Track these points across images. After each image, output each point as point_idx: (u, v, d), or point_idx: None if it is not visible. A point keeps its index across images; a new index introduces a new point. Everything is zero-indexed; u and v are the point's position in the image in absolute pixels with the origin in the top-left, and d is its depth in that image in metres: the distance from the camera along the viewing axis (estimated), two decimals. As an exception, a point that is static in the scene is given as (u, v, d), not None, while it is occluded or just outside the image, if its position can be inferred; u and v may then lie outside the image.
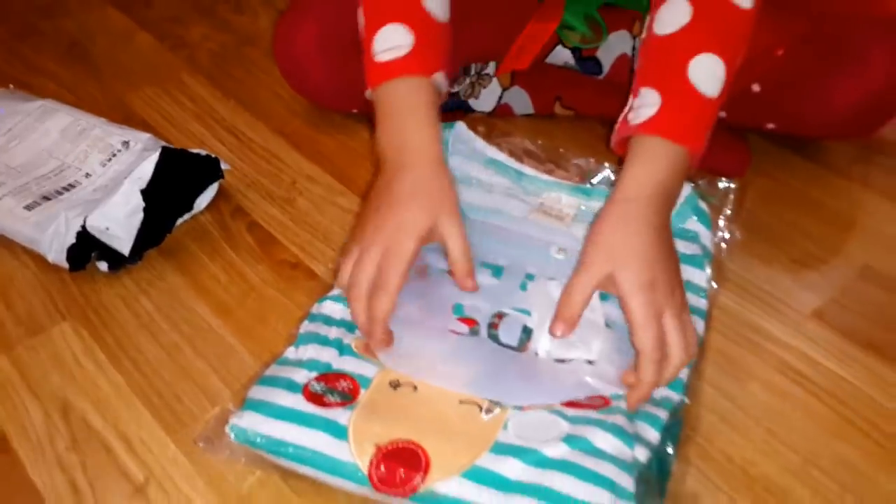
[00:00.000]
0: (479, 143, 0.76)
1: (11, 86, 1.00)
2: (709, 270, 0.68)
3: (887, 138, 0.88)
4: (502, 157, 0.76)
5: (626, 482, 0.53)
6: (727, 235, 0.71)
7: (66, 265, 0.76)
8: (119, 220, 0.75)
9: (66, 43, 1.11)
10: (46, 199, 0.80)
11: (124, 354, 0.71)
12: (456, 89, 0.91)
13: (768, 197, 0.83)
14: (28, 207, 0.79)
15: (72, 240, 0.74)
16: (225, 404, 0.62)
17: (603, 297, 0.64)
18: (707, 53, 0.63)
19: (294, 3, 0.88)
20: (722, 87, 0.64)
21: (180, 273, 0.78)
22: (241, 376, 0.68)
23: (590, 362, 0.62)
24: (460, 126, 0.76)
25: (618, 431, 0.56)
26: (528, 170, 0.75)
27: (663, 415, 0.59)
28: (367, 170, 0.85)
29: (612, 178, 0.74)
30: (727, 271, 0.75)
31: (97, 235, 0.75)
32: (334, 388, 0.60)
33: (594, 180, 0.75)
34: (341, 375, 0.61)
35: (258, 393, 0.61)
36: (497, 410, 0.58)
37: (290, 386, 0.60)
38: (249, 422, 0.58)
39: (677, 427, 0.61)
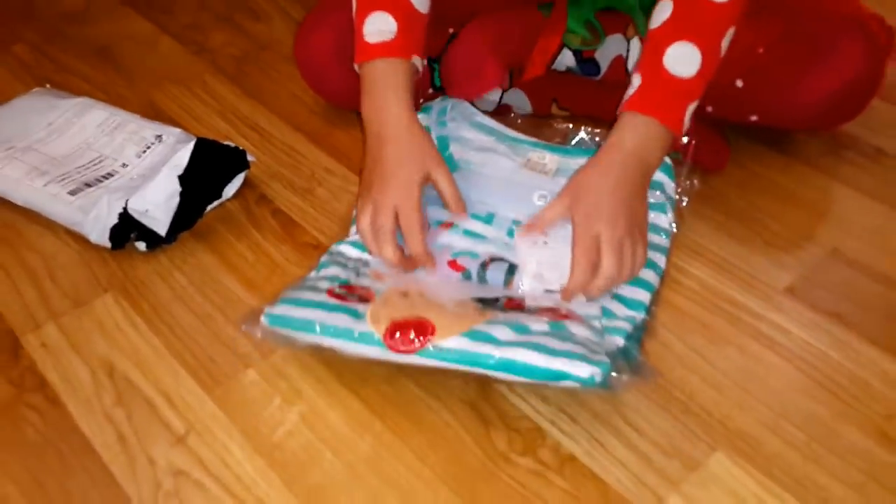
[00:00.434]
0: (474, 112, 0.90)
1: (48, 84, 1.08)
2: (671, 214, 0.82)
3: (854, 134, 0.96)
4: (494, 123, 0.90)
5: (600, 356, 0.65)
6: (688, 183, 0.86)
7: (107, 244, 0.83)
8: (158, 203, 0.82)
9: (94, 47, 1.19)
10: (88, 185, 0.88)
11: (161, 322, 0.79)
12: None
13: (745, 186, 0.91)
14: (72, 193, 0.86)
15: (114, 220, 0.82)
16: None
17: None
18: (682, 41, 0.74)
19: (312, 12, 0.96)
20: (698, 69, 0.74)
21: (211, 252, 0.86)
22: (269, 341, 0.75)
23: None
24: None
25: (589, 327, 0.69)
26: (515, 133, 0.89)
27: (627, 327, 0.71)
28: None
29: (587, 139, 0.90)
30: (708, 251, 0.83)
31: (137, 217, 0.82)
32: (353, 293, 0.71)
33: (573, 142, 0.90)
34: (359, 287, 0.72)
35: (287, 294, 0.72)
36: (487, 310, 0.70)
37: (315, 289, 0.72)
38: (282, 310, 0.70)
39: (638, 333, 0.73)
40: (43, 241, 0.88)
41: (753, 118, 0.90)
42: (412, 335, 0.66)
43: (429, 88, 0.98)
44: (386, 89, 0.80)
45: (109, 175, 0.89)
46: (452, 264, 0.77)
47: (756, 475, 0.65)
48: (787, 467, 0.65)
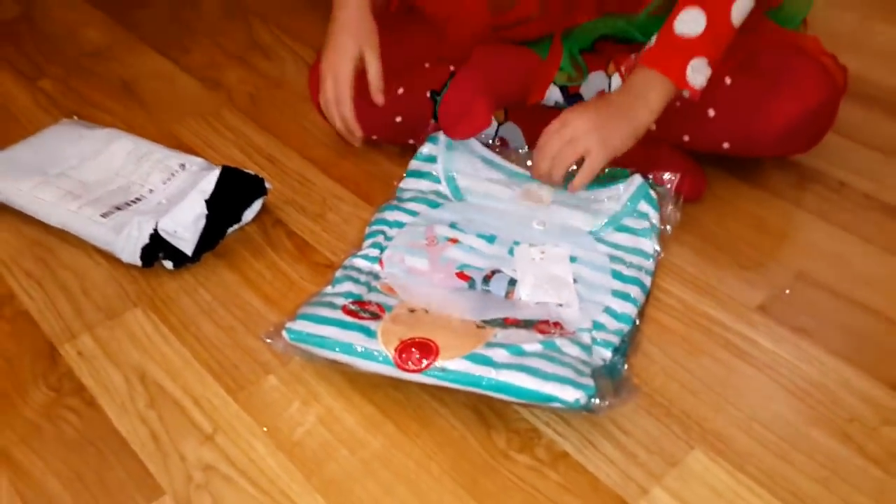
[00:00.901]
0: (475, 143, 1.00)
1: (75, 116, 1.15)
2: (655, 240, 0.91)
3: (819, 169, 1.05)
4: (495, 156, 1.00)
5: (585, 371, 0.73)
6: (671, 214, 0.95)
7: (138, 263, 0.90)
8: (186, 225, 0.90)
9: (116, 82, 1.27)
10: (118, 209, 0.95)
11: (188, 333, 0.86)
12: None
13: (721, 214, 0.99)
14: (104, 215, 0.94)
15: (145, 240, 0.89)
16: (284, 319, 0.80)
17: (572, 259, 0.86)
18: (689, 7, 0.88)
19: None
20: (703, 29, 0.88)
21: (232, 271, 0.93)
22: (289, 353, 0.82)
23: (559, 305, 0.82)
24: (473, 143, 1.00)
25: (578, 344, 0.76)
26: (514, 166, 0.99)
27: (614, 339, 0.79)
28: (386, 189, 1.01)
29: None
30: (687, 273, 0.91)
31: (166, 237, 0.90)
32: (366, 309, 0.78)
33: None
34: (370, 303, 0.80)
35: (306, 309, 0.79)
36: (487, 327, 0.77)
37: (331, 305, 0.79)
38: (301, 326, 0.77)
39: (625, 346, 0.80)
40: (76, 260, 0.95)
41: (726, 146, 0.99)
42: (417, 355, 0.73)
43: (430, 119, 1.06)
44: None
45: (137, 199, 0.97)
46: (459, 275, 0.85)
47: (730, 470, 0.72)
48: (758, 463, 0.73)
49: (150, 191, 0.98)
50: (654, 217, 0.92)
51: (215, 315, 0.88)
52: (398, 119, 1.05)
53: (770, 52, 0.96)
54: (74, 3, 1.49)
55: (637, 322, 0.83)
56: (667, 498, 0.70)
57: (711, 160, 1.02)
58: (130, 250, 0.90)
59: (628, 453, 0.74)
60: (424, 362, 0.73)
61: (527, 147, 1.09)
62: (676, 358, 0.82)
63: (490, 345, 0.74)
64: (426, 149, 0.99)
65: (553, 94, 1.06)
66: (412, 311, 0.79)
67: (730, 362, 0.82)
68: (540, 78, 1.02)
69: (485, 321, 0.78)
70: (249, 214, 0.98)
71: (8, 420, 0.78)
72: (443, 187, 0.96)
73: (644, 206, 0.92)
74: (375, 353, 0.74)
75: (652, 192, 0.93)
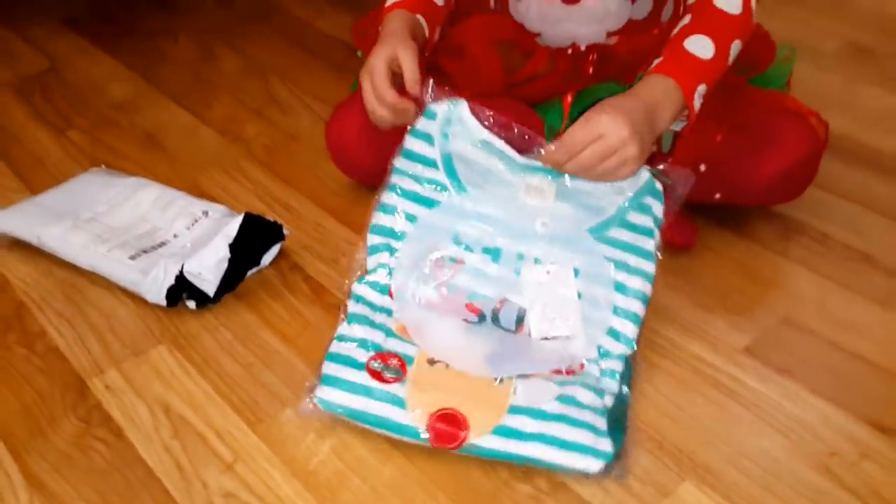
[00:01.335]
0: (474, 125, 0.91)
1: (103, 165, 1.23)
2: (658, 237, 0.90)
3: (804, 220, 1.12)
4: (496, 140, 0.91)
5: (601, 424, 0.78)
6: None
7: (163, 303, 0.96)
8: (210, 267, 0.96)
9: (141, 134, 1.35)
10: (145, 252, 1.01)
11: (210, 369, 0.91)
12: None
13: (711, 262, 1.05)
14: (132, 257, 1.00)
15: (171, 282, 0.95)
16: (311, 380, 0.84)
17: (575, 273, 0.89)
18: (698, 34, 0.92)
19: (344, 100, 1.13)
20: (712, 55, 0.91)
21: (251, 311, 0.99)
22: (303, 385, 0.88)
23: (567, 338, 0.86)
24: (463, 107, 0.92)
25: (591, 388, 0.81)
26: (516, 154, 0.90)
27: (619, 367, 0.84)
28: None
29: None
30: (679, 317, 0.97)
31: (191, 279, 0.96)
32: (388, 366, 0.83)
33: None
34: (391, 355, 0.84)
35: (331, 369, 0.83)
36: (505, 380, 0.82)
37: (355, 364, 0.83)
38: (331, 396, 0.81)
39: (628, 371, 0.85)
40: (103, 300, 1.01)
41: (717, 196, 1.06)
42: (450, 432, 0.79)
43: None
44: (392, 21, 0.99)
45: (163, 244, 1.03)
46: (469, 307, 0.89)
47: (719, 501, 0.77)
48: (745, 495, 0.78)
49: (175, 235, 1.05)
50: (659, 210, 0.90)
51: (235, 353, 0.93)
52: None
53: (756, 111, 1.03)
54: (100, 58, 1.58)
55: (636, 345, 0.87)
56: (659, 526, 0.75)
57: (703, 212, 1.08)
58: (156, 291, 0.96)
59: (623, 484, 0.78)
60: (457, 440, 0.79)
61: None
62: (669, 395, 0.88)
63: (514, 410, 0.80)
64: (421, 124, 0.92)
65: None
66: (432, 363, 0.84)
67: (719, 400, 0.87)
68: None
69: (499, 380, 0.83)
70: (268, 258, 1.04)
71: (41, 450, 0.83)
72: (441, 175, 0.92)
73: (648, 200, 0.90)
74: (409, 430, 0.80)
75: (658, 185, 0.91)
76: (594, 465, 0.77)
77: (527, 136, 0.89)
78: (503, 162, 0.91)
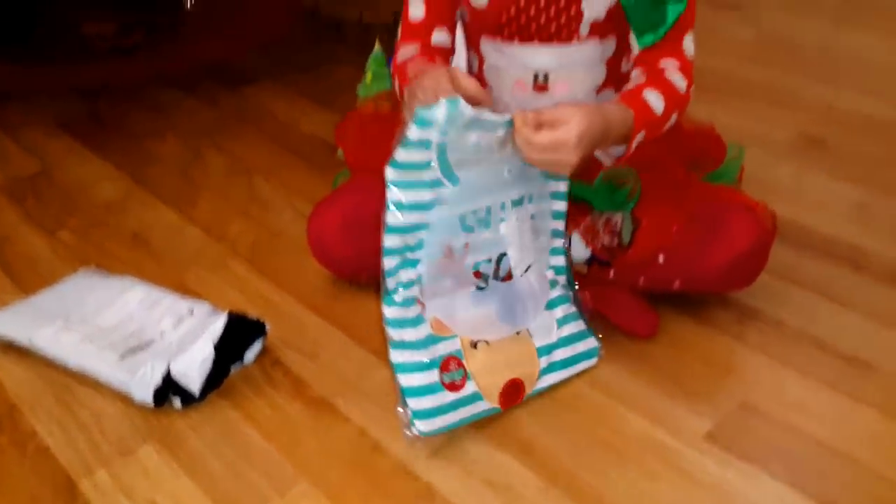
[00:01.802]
0: (466, 109, 0.90)
1: (93, 265, 1.28)
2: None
3: (759, 308, 1.18)
4: (477, 111, 0.91)
5: (583, 326, 1.09)
6: None
7: (150, 402, 1.00)
8: (195, 367, 1.00)
9: (129, 233, 1.41)
10: (132, 352, 1.06)
11: (195, 467, 0.95)
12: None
13: (672, 349, 1.11)
14: (121, 357, 1.04)
15: (158, 382, 1.00)
16: (404, 410, 0.95)
17: (530, 200, 1.03)
18: (656, 92, 1.01)
19: (325, 197, 1.20)
20: (661, 114, 1.01)
21: (234, 408, 1.03)
22: (289, 483, 0.91)
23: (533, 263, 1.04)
24: (462, 102, 0.91)
25: (563, 300, 1.07)
26: (495, 115, 0.93)
27: (562, 262, 1.08)
28: (375, 330, 1.12)
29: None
30: (642, 404, 1.02)
31: (177, 379, 1.00)
32: (453, 371, 0.98)
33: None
34: (448, 360, 0.98)
35: (417, 403, 0.95)
36: (522, 331, 1.03)
37: (434, 389, 0.96)
38: (429, 426, 0.95)
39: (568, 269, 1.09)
40: (92, 400, 1.05)
41: (676, 284, 1.12)
42: (515, 395, 1.02)
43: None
44: (416, 65, 1.03)
45: (150, 343, 1.08)
46: (476, 274, 0.99)
47: (682, 585, 0.81)
48: (707, 578, 0.82)
49: (162, 334, 1.10)
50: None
51: (219, 451, 0.97)
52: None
53: (707, 205, 1.11)
54: (90, 160, 1.65)
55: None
56: None
57: (663, 300, 1.15)
58: (143, 391, 1.00)
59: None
60: (520, 399, 1.02)
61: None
62: (635, 481, 0.92)
63: (540, 352, 1.04)
64: (414, 134, 0.91)
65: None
66: (474, 345, 0.99)
67: (680, 483, 0.92)
68: None
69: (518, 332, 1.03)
70: (251, 355, 1.09)
71: (30, 550, 0.86)
72: (437, 173, 0.93)
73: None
74: (491, 410, 1.00)
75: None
76: (594, 361, 1.08)
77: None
78: (484, 129, 0.93)
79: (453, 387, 0.97)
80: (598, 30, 1.06)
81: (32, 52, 2.17)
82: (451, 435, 0.97)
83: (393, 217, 0.93)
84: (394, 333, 0.95)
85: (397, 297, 0.95)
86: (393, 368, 0.95)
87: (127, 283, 1.19)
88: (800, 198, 1.45)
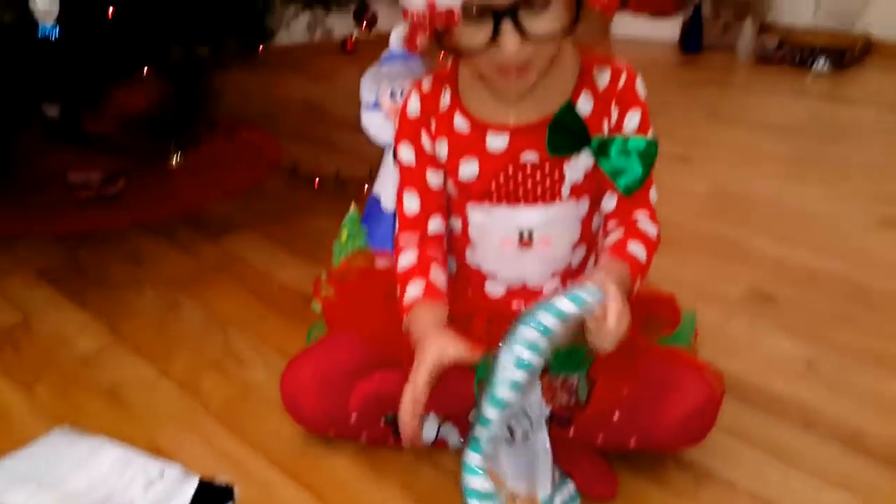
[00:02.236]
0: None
1: (67, 424, 1.31)
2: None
3: (712, 468, 1.23)
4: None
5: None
6: None
7: (117, 570, 1.02)
8: (163, 535, 1.02)
9: (104, 389, 1.44)
10: (102, 517, 1.08)
11: None
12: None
13: (631, 514, 1.15)
14: (89, 524, 1.06)
15: (126, 550, 1.01)
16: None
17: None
18: (636, 241, 1.13)
19: (299, 353, 1.26)
20: (645, 261, 1.13)
21: (201, 576, 1.05)
22: None
23: None
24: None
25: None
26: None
27: None
28: (344, 494, 1.15)
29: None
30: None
31: (144, 547, 1.02)
32: None
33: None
34: None
35: None
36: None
37: None
38: None
39: None
40: (59, 568, 1.06)
41: (633, 442, 1.18)
42: None
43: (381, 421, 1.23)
44: (420, 320, 1.11)
45: (119, 508, 1.10)
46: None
47: None
48: None
49: (131, 501, 1.12)
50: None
51: None
52: (353, 417, 1.22)
53: (659, 366, 1.18)
54: (70, 311, 1.70)
55: None
56: None
57: (622, 460, 1.19)
58: (111, 559, 1.02)
59: None
60: None
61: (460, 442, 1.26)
62: None
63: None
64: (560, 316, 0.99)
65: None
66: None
67: None
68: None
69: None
70: (218, 519, 1.11)
71: None
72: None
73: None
74: None
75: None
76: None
77: None
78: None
79: None
80: (576, 191, 1.17)
81: (15, 198, 2.24)
82: None
83: (517, 374, 0.99)
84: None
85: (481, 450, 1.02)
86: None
87: (98, 445, 1.22)
88: (751, 354, 1.52)
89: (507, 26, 0.97)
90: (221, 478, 1.13)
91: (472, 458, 1.01)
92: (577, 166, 1.14)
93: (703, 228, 2.07)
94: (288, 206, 2.22)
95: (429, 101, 1.17)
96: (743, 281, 1.80)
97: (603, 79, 1.14)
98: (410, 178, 1.20)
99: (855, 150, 2.74)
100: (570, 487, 1.13)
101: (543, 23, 0.99)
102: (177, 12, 1.88)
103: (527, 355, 0.98)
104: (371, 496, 1.19)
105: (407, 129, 1.19)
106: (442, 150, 1.17)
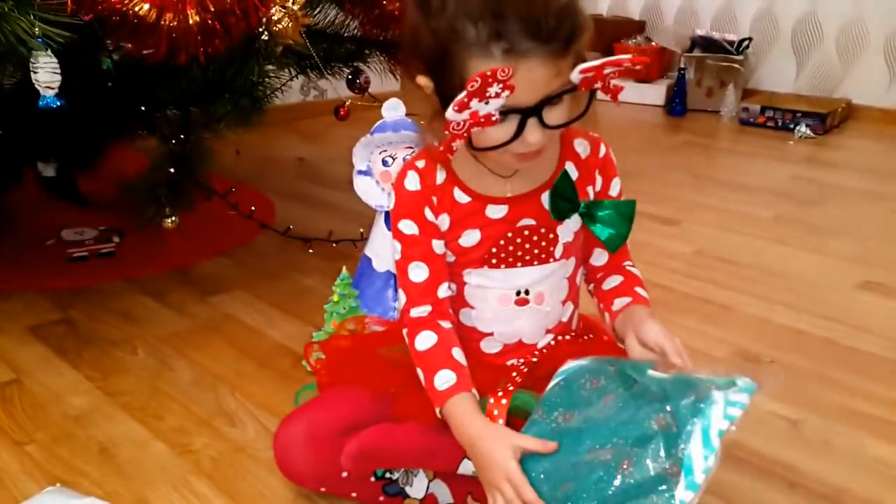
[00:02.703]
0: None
1: (59, 483, 1.31)
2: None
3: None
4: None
5: None
6: None
7: None
8: None
9: (95, 448, 1.44)
10: (91, 579, 1.08)
11: None
12: (395, 476, 1.26)
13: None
14: (79, 586, 1.06)
15: None
16: None
17: None
18: (637, 287, 1.23)
19: (292, 412, 1.27)
20: (647, 296, 1.23)
21: None
22: None
23: None
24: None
25: None
26: None
27: None
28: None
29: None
30: None
31: None
32: None
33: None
34: None
35: None
36: None
37: None
38: None
39: None
40: None
41: None
42: None
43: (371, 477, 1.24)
44: (464, 414, 1.10)
45: (109, 569, 1.10)
46: None
47: None
48: None
49: (121, 560, 1.12)
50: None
51: None
52: (344, 474, 1.23)
53: None
54: (62, 369, 1.70)
55: None
56: None
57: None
58: None
59: None
60: None
61: (451, 499, 1.26)
62: None
63: None
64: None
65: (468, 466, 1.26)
66: None
67: None
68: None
69: None
70: (208, 581, 1.11)
71: None
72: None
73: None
74: None
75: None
76: None
77: None
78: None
79: None
80: (567, 250, 1.23)
81: (8, 255, 2.26)
82: None
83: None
84: None
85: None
86: None
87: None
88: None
89: (532, 121, 1.03)
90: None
91: None
92: (568, 228, 1.22)
93: (689, 290, 2.11)
94: (280, 264, 2.24)
95: (426, 177, 1.21)
96: (728, 342, 1.83)
97: (584, 149, 1.23)
98: (415, 249, 1.21)
99: (837, 213, 2.81)
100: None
101: (561, 113, 1.06)
102: (172, 84, 1.94)
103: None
104: (361, 557, 1.20)
105: (408, 205, 1.21)
106: (444, 222, 1.21)
